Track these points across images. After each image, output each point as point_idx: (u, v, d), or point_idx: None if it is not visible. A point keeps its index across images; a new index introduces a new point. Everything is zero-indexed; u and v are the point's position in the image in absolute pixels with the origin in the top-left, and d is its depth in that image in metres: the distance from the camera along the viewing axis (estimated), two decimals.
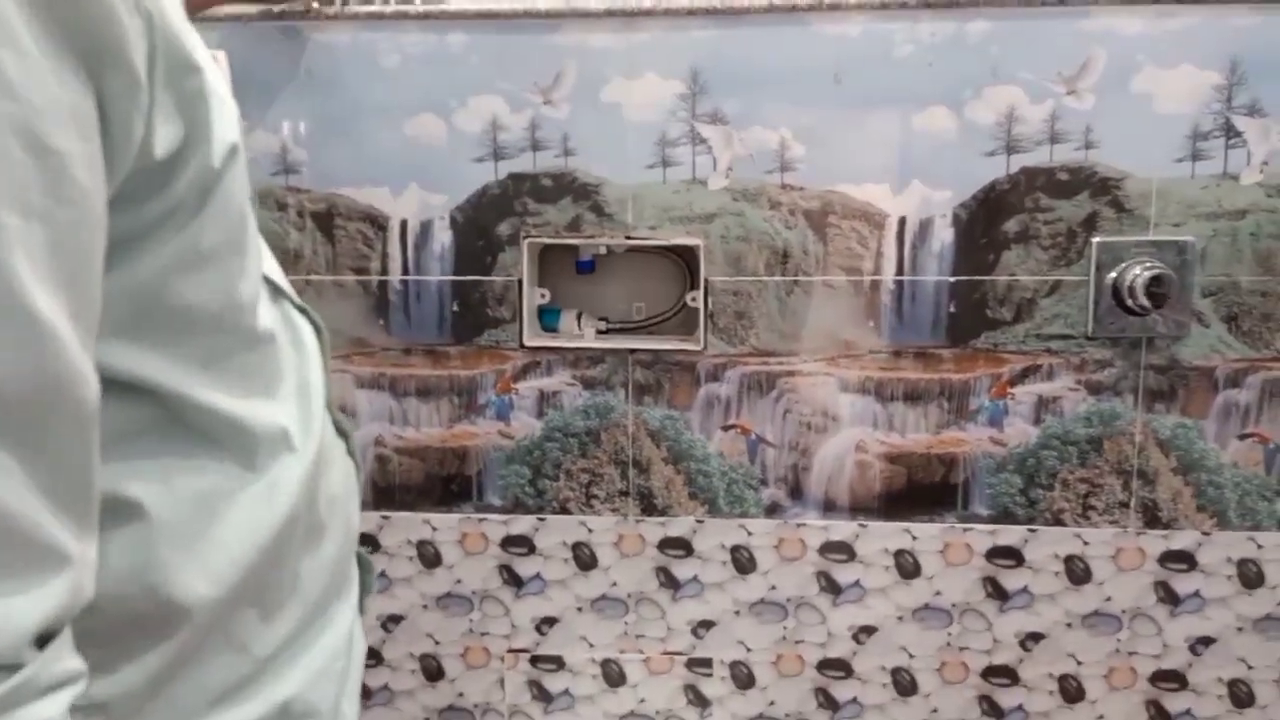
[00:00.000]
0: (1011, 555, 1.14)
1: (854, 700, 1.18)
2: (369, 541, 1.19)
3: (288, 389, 0.48)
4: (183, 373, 0.41)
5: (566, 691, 1.21)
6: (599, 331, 1.16)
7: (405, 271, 1.15)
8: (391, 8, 1.10)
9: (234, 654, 0.46)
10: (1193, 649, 1.14)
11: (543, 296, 1.17)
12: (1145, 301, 1.04)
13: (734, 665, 1.19)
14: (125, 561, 0.40)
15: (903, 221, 1.09)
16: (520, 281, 1.13)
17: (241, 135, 0.43)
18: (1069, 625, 1.15)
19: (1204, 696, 1.15)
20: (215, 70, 0.41)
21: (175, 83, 0.37)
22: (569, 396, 1.15)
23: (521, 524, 1.18)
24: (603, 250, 1.15)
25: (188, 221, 0.40)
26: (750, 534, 1.16)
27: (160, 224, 0.39)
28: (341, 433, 0.58)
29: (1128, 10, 1.04)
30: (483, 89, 1.11)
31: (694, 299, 1.13)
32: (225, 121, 0.41)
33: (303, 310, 0.53)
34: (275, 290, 0.50)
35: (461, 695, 1.22)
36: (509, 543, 1.18)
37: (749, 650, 1.18)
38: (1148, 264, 1.06)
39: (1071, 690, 1.16)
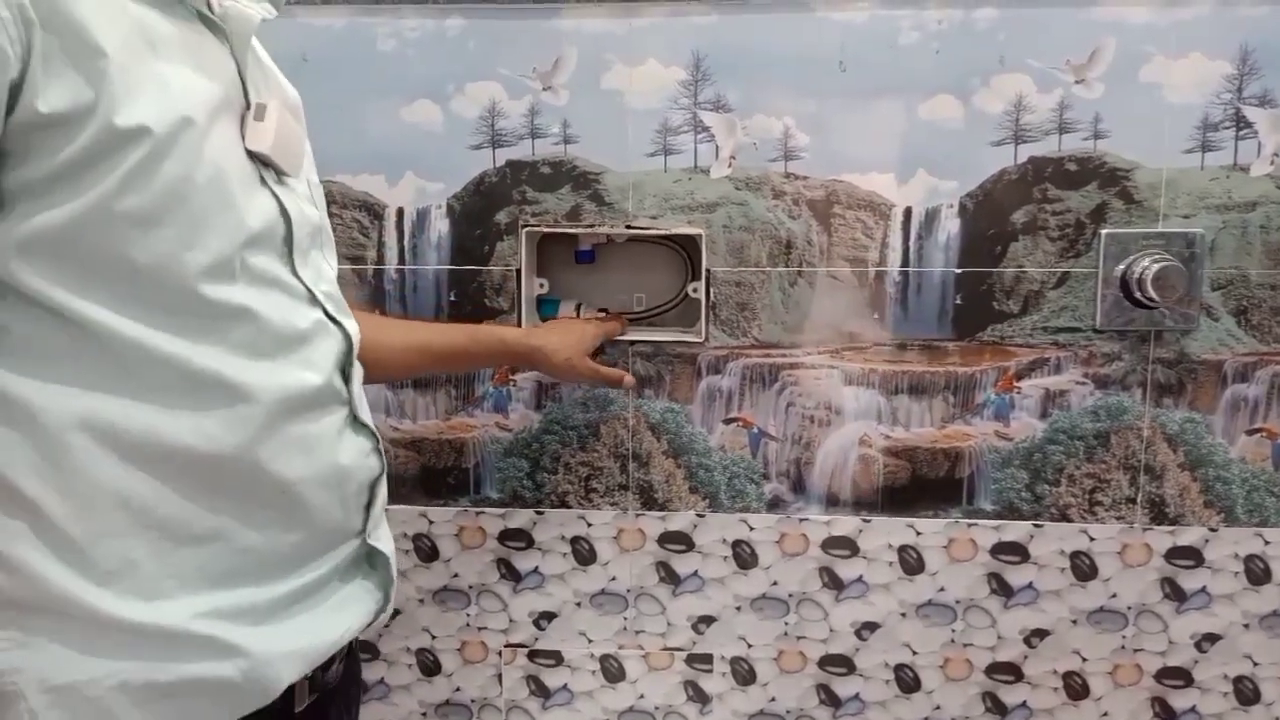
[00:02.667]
0: (1017, 551, 1.12)
1: (856, 697, 1.17)
2: None
3: (250, 357, 0.59)
4: (118, 309, 0.54)
5: (565, 687, 1.19)
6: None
7: (401, 261, 1.13)
8: None
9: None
10: (1198, 646, 1.13)
11: (541, 286, 1.15)
12: (1153, 294, 1.03)
13: (735, 661, 1.17)
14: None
15: (908, 212, 1.08)
16: (519, 271, 1.11)
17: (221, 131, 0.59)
18: (1074, 622, 1.13)
19: (1209, 693, 1.14)
20: (157, 54, 0.54)
21: (71, 56, 0.49)
22: (567, 389, 1.14)
23: (519, 518, 1.16)
24: (603, 239, 1.13)
25: (94, 182, 0.51)
26: (752, 529, 1.14)
27: (59, 179, 0.50)
28: (368, 430, 0.71)
29: None
30: (481, 75, 1.09)
31: (695, 290, 1.11)
32: (150, 101, 0.53)
33: (335, 320, 0.67)
34: (311, 298, 0.65)
35: (459, 690, 1.20)
36: (507, 536, 1.17)
37: (750, 646, 1.17)
38: (1156, 256, 1.04)
39: (1076, 687, 1.15)
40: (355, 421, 0.70)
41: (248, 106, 0.62)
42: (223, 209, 0.57)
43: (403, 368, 1.00)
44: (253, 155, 0.61)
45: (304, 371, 0.63)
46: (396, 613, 1.19)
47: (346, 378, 0.69)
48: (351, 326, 0.69)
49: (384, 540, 0.73)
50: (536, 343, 1.00)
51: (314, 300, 0.65)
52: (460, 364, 1.06)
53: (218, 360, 0.57)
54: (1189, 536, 1.11)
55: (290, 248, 0.63)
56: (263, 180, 0.62)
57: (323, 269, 0.69)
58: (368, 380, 1.05)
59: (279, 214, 0.63)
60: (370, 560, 0.72)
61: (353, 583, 0.70)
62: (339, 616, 0.67)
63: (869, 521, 1.13)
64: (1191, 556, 1.11)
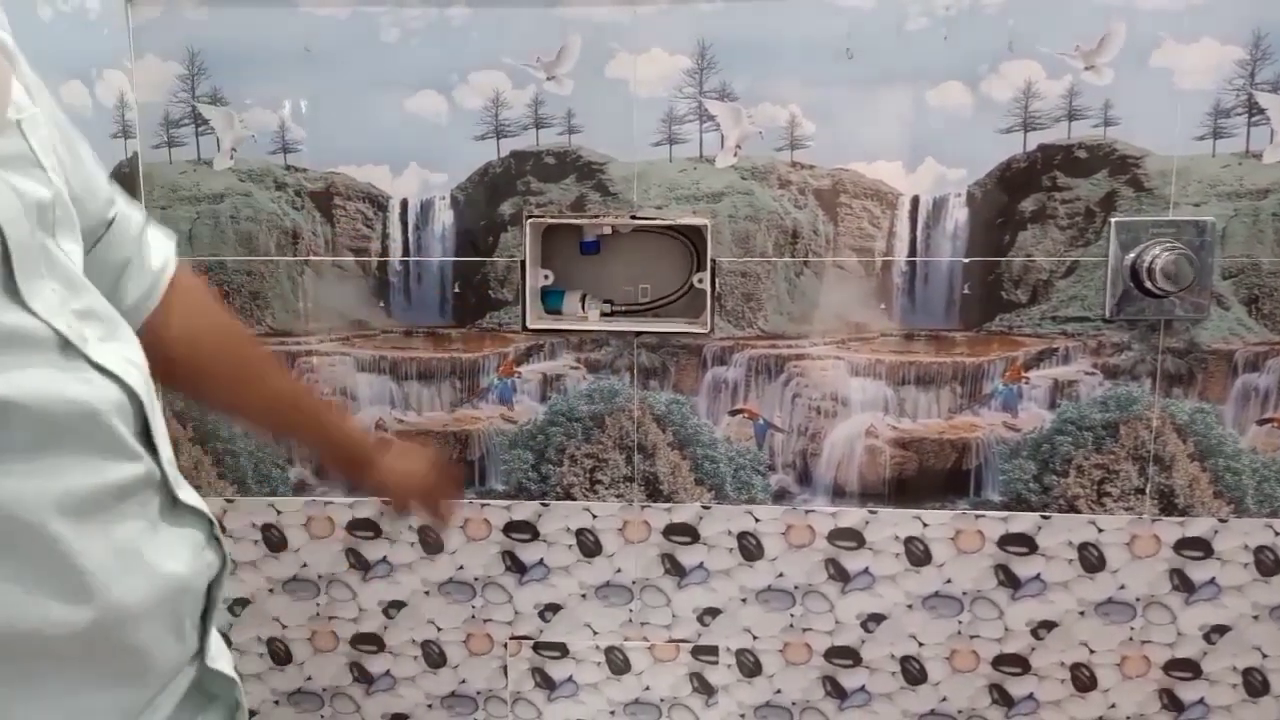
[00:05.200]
0: (1024, 542, 1.12)
1: (862, 689, 1.16)
2: (370, 527, 1.17)
3: None
4: None
5: (570, 679, 1.19)
6: (603, 313, 1.14)
7: (406, 252, 1.12)
8: None
9: None
10: (1207, 637, 1.12)
11: (546, 278, 1.14)
12: (1164, 283, 1.02)
13: (740, 653, 1.17)
14: None
15: (916, 201, 1.07)
16: (523, 262, 1.11)
17: None
18: (1082, 613, 1.13)
19: (1218, 685, 1.13)
20: None
21: None
22: (573, 380, 1.13)
23: (524, 509, 1.16)
24: (607, 230, 1.12)
25: None
26: (758, 520, 1.14)
27: None
28: (197, 514, 0.52)
29: None
30: (484, 64, 1.08)
31: (701, 280, 1.11)
32: None
33: (103, 369, 0.46)
34: (61, 342, 0.44)
35: (464, 682, 1.20)
36: (512, 528, 1.16)
37: (755, 638, 1.16)
38: (1167, 244, 1.03)
39: (1084, 679, 1.14)
40: (175, 506, 0.50)
41: None
42: None
43: (252, 426, 0.87)
44: None
45: (83, 461, 0.44)
46: (402, 605, 1.19)
47: (151, 445, 0.49)
48: (132, 366, 0.48)
49: (223, 657, 0.55)
50: (372, 456, 0.82)
51: (66, 344, 0.44)
52: (302, 439, 0.87)
53: None
54: (1198, 527, 1.10)
55: (10, 267, 0.41)
56: None
57: (69, 272, 0.47)
58: (205, 402, 0.86)
59: None
60: (209, 689, 0.54)
61: None
62: None
63: (875, 513, 1.13)
64: (1201, 547, 1.11)
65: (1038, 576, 1.12)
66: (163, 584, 0.47)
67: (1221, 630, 1.12)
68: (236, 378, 0.71)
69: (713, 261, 1.09)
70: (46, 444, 0.42)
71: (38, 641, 0.41)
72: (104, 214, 0.59)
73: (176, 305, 0.64)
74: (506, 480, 1.16)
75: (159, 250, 0.64)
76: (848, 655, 1.16)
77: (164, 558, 0.48)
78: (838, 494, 1.13)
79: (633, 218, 1.09)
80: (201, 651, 0.53)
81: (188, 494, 0.52)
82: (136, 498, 0.47)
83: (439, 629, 1.19)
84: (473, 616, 1.19)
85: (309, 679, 1.21)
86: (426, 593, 1.18)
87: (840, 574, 1.14)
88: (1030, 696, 1.15)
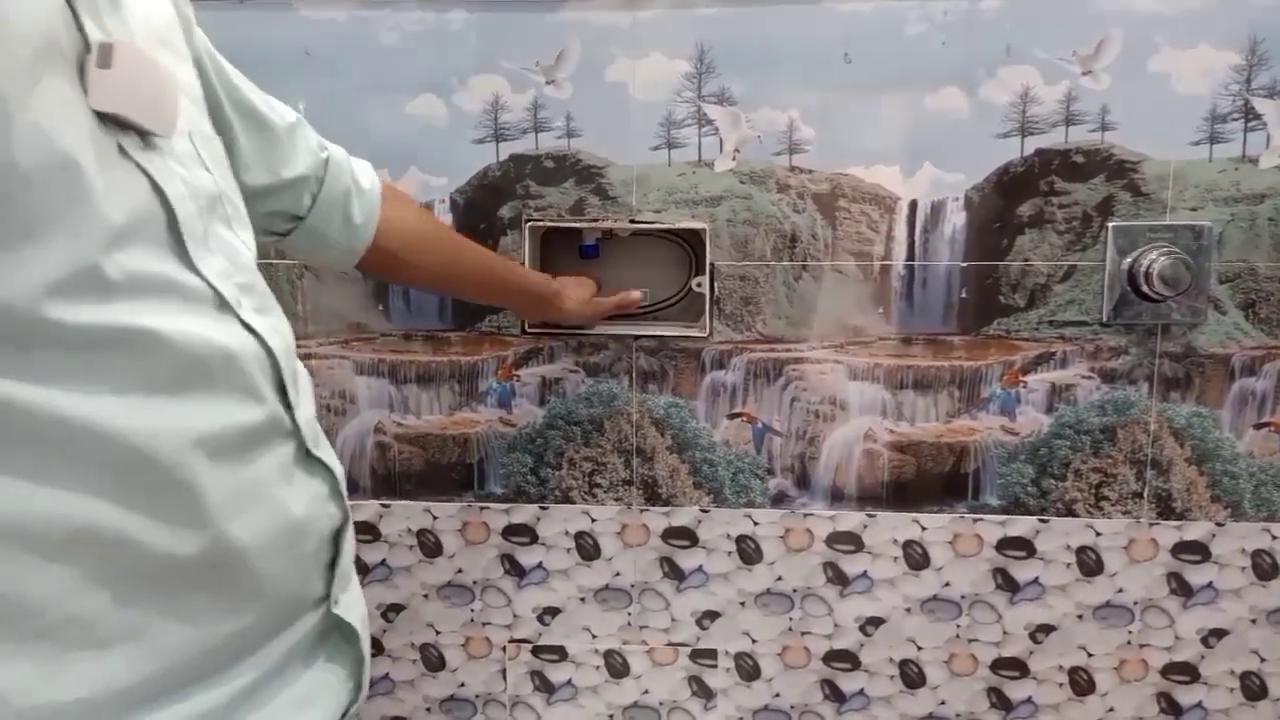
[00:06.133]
0: (1022, 546, 1.12)
1: (861, 692, 1.16)
2: (369, 530, 1.17)
3: (146, 394, 0.45)
4: None
5: (569, 682, 1.19)
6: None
7: None
8: None
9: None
10: (1205, 641, 1.12)
11: None
12: (1161, 287, 1.02)
13: (739, 657, 1.17)
14: None
15: (914, 205, 1.07)
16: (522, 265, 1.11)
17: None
18: (1080, 617, 1.13)
19: (1216, 689, 1.13)
20: None
21: None
22: (572, 383, 1.13)
23: (523, 513, 1.16)
24: (606, 234, 1.13)
25: None
26: (756, 524, 1.14)
27: None
28: (324, 468, 0.57)
29: None
30: (484, 68, 1.08)
31: (699, 284, 1.11)
32: None
33: (251, 329, 0.52)
34: (219, 301, 0.50)
35: (463, 685, 1.20)
36: (511, 532, 1.16)
37: (754, 641, 1.16)
38: (1164, 249, 1.03)
39: (1082, 682, 1.14)
40: (308, 457, 0.56)
41: (87, 48, 0.43)
42: (68, 203, 0.41)
43: (458, 290, 1.01)
44: (103, 117, 0.44)
45: (223, 403, 0.49)
46: (401, 608, 1.19)
47: (288, 401, 0.54)
48: (276, 333, 0.54)
49: (353, 608, 0.60)
50: (557, 287, 1.03)
51: (223, 303, 0.50)
52: (498, 294, 1.01)
53: (102, 405, 0.42)
54: (1196, 531, 1.10)
55: (180, 235, 0.48)
56: (122, 151, 0.45)
57: (237, 253, 0.54)
58: (419, 283, 1.02)
59: (152, 194, 0.46)
60: (336, 635, 0.59)
61: (315, 666, 0.56)
62: (303, 716, 0.54)
63: (874, 517, 1.13)
64: (1198, 551, 1.11)
65: (1036, 580, 1.13)
66: (284, 523, 0.52)
67: (1219, 634, 1.12)
68: (445, 259, 0.89)
69: (711, 265, 1.09)
70: (187, 381, 0.47)
71: (166, 565, 0.46)
72: (319, 155, 0.76)
73: (389, 213, 0.80)
74: (505, 484, 1.16)
75: (364, 172, 0.80)
76: (846, 659, 1.16)
77: (289, 501, 0.53)
78: (836, 498, 1.13)
79: (631, 221, 1.09)
80: (327, 598, 0.58)
81: (322, 450, 0.58)
82: (267, 444, 0.52)
83: (438, 632, 1.19)
84: (471, 620, 1.19)
85: None
86: (425, 596, 1.18)
87: (839, 577, 1.14)
88: (1029, 700, 1.15)
